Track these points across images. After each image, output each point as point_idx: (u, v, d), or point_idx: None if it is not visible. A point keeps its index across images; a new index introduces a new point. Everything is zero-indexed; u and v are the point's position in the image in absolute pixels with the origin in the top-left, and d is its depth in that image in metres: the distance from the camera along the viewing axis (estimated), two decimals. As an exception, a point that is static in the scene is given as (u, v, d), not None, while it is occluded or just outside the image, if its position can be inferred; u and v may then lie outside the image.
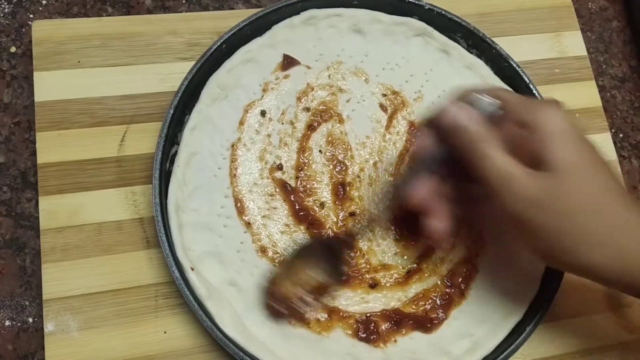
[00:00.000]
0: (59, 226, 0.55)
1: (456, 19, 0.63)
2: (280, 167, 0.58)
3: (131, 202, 0.57)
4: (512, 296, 0.57)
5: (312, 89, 0.61)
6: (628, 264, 0.44)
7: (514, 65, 0.63)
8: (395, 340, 0.54)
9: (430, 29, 0.64)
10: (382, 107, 0.62)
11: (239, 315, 0.53)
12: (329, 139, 0.60)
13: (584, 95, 0.67)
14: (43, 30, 0.60)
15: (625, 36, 0.75)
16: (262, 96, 0.60)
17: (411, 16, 0.64)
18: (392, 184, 0.58)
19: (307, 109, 0.60)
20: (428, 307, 0.56)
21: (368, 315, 0.55)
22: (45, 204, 0.55)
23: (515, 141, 0.46)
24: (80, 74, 0.59)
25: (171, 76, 0.60)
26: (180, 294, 0.52)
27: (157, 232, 0.53)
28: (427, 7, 0.63)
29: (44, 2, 0.63)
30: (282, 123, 0.60)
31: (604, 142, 0.67)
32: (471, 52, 0.64)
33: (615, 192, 0.45)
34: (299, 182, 0.58)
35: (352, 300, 0.55)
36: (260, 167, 0.58)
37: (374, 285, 0.56)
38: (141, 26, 0.62)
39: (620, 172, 0.66)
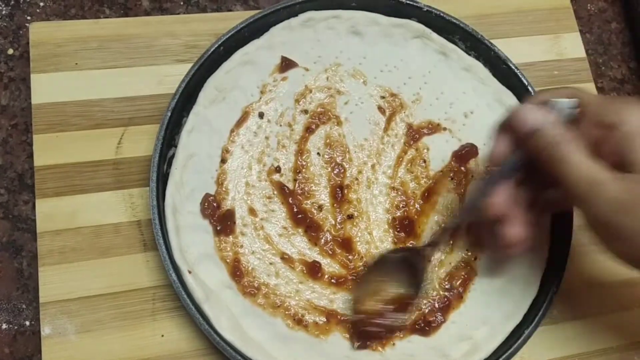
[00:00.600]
0: (56, 229, 0.55)
1: (454, 20, 0.63)
2: (278, 170, 0.58)
3: (128, 204, 0.57)
4: (510, 299, 0.57)
5: (310, 91, 0.61)
6: None
7: (513, 67, 0.63)
8: (393, 344, 0.54)
9: (428, 30, 0.64)
10: (380, 109, 0.62)
11: (236, 318, 0.52)
12: (327, 141, 0.60)
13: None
14: (40, 32, 0.59)
15: (624, 37, 0.74)
16: (260, 98, 0.60)
17: (409, 18, 0.64)
18: (470, 193, 0.57)
19: (305, 111, 0.60)
20: (426, 310, 0.56)
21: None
22: (42, 207, 0.55)
23: (595, 142, 0.44)
24: (78, 76, 0.59)
25: (169, 78, 0.60)
26: (178, 297, 0.52)
27: (154, 234, 0.53)
28: (425, 9, 0.63)
29: (41, 4, 0.63)
30: (280, 125, 0.59)
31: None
32: (470, 54, 0.64)
33: None
34: (297, 184, 0.58)
35: (350, 304, 0.55)
36: (258, 170, 0.58)
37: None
38: (139, 28, 0.62)
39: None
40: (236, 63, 0.60)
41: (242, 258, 0.55)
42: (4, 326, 0.54)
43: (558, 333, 0.59)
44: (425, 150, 0.61)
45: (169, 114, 0.56)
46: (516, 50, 0.66)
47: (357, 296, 0.55)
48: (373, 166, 0.60)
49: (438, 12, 0.63)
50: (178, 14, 0.65)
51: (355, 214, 0.58)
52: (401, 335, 0.55)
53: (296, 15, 0.62)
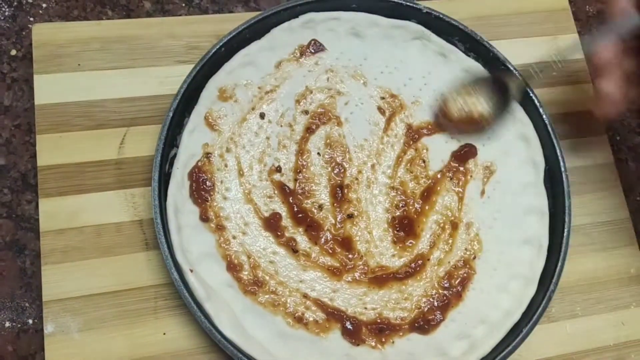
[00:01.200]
0: (59, 228, 0.56)
1: (453, 22, 0.64)
2: (279, 169, 0.58)
3: (130, 204, 0.57)
4: (509, 298, 0.57)
5: (311, 92, 0.62)
6: None
7: (512, 68, 0.63)
8: (392, 342, 0.55)
9: (428, 32, 0.64)
10: (380, 110, 0.62)
11: (237, 316, 0.53)
12: (327, 141, 0.60)
13: (581, 98, 0.68)
14: (43, 33, 0.60)
15: None
16: (261, 99, 0.60)
17: (409, 20, 0.64)
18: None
19: (306, 112, 0.61)
20: (426, 308, 0.56)
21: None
22: (45, 206, 0.56)
23: None
24: (80, 76, 0.60)
25: (170, 79, 0.61)
26: (179, 295, 0.53)
27: (156, 234, 0.53)
28: (424, 11, 0.64)
29: (44, 5, 0.63)
30: (281, 126, 0.60)
31: (601, 145, 0.67)
32: (469, 55, 0.65)
33: None
34: (297, 184, 0.58)
35: (349, 302, 0.56)
36: (259, 169, 0.58)
37: (371, 287, 0.56)
38: (141, 29, 0.62)
39: (617, 174, 0.66)
40: (237, 64, 0.60)
41: (242, 256, 0.55)
42: (7, 324, 0.55)
43: (555, 331, 0.60)
44: (425, 151, 0.61)
45: (171, 114, 0.57)
46: (515, 52, 0.66)
47: (445, 97, 0.60)
48: (373, 166, 0.60)
49: (437, 14, 0.64)
50: (179, 15, 0.65)
51: (355, 213, 0.58)
52: (400, 334, 0.55)
53: (297, 17, 0.62)
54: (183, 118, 0.58)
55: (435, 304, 0.56)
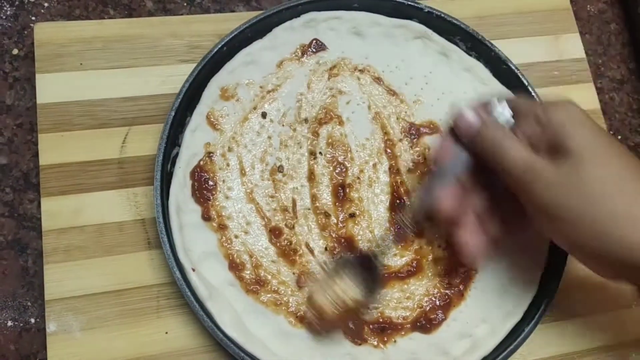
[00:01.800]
0: (61, 227, 0.56)
1: (455, 21, 0.64)
2: (280, 169, 0.59)
3: (133, 203, 0.57)
4: (511, 297, 0.57)
5: (313, 91, 0.62)
6: None
7: (513, 67, 0.63)
8: (394, 341, 0.55)
9: (429, 31, 0.64)
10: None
11: (239, 315, 0.53)
12: (329, 140, 0.60)
13: (582, 97, 0.67)
14: (45, 32, 0.60)
15: (623, 38, 0.75)
16: (263, 98, 0.60)
17: (410, 19, 0.64)
18: (417, 194, 0.57)
19: (308, 111, 0.61)
20: (427, 308, 0.56)
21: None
22: (47, 205, 0.56)
23: (532, 141, 0.47)
24: (82, 76, 0.60)
25: (172, 78, 0.61)
26: (182, 294, 0.53)
27: (158, 233, 0.53)
28: (426, 10, 0.64)
29: (45, 4, 0.63)
30: (283, 125, 0.60)
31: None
32: (470, 55, 0.65)
33: (635, 169, 0.45)
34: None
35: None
36: (261, 169, 0.58)
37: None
38: (143, 29, 0.62)
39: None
40: (239, 63, 0.60)
41: (244, 255, 0.55)
42: (10, 323, 0.55)
43: (557, 331, 0.60)
44: (426, 150, 0.61)
45: (173, 113, 0.57)
46: (516, 51, 0.66)
47: (313, 290, 0.54)
48: (375, 165, 0.60)
49: (439, 13, 0.64)
50: (181, 14, 0.66)
51: (357, 212, 0.58)
52: (402, 333, 0.55)
53: (298, 16, 0.62)
54: (185, 117, 0.58)
55: (437, 303, 0.57)
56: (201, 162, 0.57)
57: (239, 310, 0.53)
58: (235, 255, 0.55)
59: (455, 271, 0.58)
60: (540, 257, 0.59)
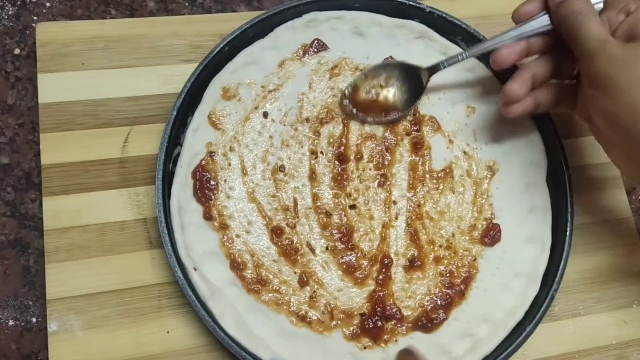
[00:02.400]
0: (62, 226, 0.56)
1: (456, 21, 0.64)
2: (282, 169, 0.59)
3: (134, 202, 0.57)
4: (512, 296, 0.58)
5: (314, 91, 0.62)
6: None
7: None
8: (396, 340, 0.55)
9: (430, 31, 0.64)
10: (383, 109, 0.62)
11: (241, 314, 0.53)
12: (330, 140, 0.60)
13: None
14: (47, 32, 0.60)
15: None
16: (265, 98, 0.60)
17: (412, 19, 0.64)
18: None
19: (309, 111, 0.61)
20: (429, 307, 0.56)
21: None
22: (49, 205, 0.56)
23: (612, 27, 0.51)
24: (84, 75, 0.60)
25: (174, 78, 0.61)
26: (183, 294, 0.53)
27: (160, 232, 0.54)
28: (427, 10, 0.64)
29: (47, 4, 0.64)
30: (284, 124, 0.60)
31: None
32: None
33: None
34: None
35: (354, 301, 0.56)
36: (263, 168, 0.58)
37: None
38: (144, 28, 0.62)
39: (620, 173, 0.66)
40: (241, 63, 0.60)
41: (246, 255, 0.55)
42: (11, 323, 0.55)
43: (558, 330, 0.60)
44: (427, 150, 0.61)
45: (175, 113, 0.57)
46: (517, 51, 0.66)
47: (356, 85, 0.61)
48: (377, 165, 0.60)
49: (440, 13, 0.64)
50: (183, 14, 0.66)
51: (357, 204, 0.58)
52: (404, 332, 0.55)
53: (300, 16, 0.62)
54: (187, 117, 0.58)
55: (439, 302, 0.57)
56: (203, 162, 0.57)
57: (241, 309, 0.54)
58: (236, 255, 0.55)
59: (457, 270, 0.58)
60: (541, 257, 0.59)
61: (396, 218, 0.59)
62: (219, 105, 0.59)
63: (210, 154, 0.57)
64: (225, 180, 0.57)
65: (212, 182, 0.57)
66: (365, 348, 0.54)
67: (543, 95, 0.56)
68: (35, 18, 0.63)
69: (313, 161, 0.59)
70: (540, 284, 0.58)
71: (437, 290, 0.57)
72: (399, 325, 0.55)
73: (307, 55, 0.62)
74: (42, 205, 0.56)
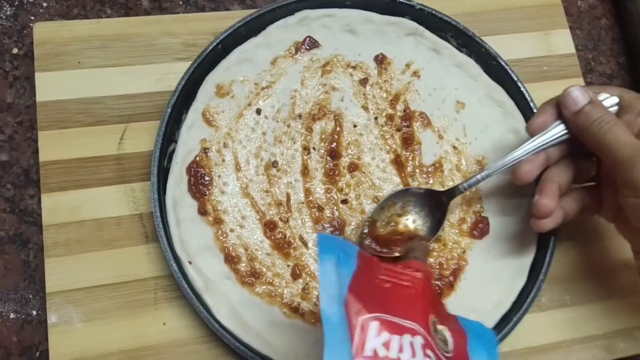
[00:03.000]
0: (60, 222, 0.57)
1: (446, 18, 0.65)
2: (275, 164, 0.60)
3: (130, 198, 0.59)
4: (500, 287, 0.59)
5: (306, 88, 0.63)
6: None
7: (503, 63, 0.64)
8: (386, 331, 0.56)
9: (421, 28, 0.65)
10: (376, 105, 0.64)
11: (235, 307, 0.55)
12: (322, 136, 0.62)
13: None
14: (44, 31, 0.61)
15: (613, 34, 0.76)
16: (258, 95, 0.62)
17: (403, 16, 0.65)
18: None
19: (301, 108, 0.62)
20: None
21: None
22: (47, 201, 0.57)
23: (633, 129, 0.51)
24: (81, 74, 0.61)
25: (169, 76, 0.62)
26: (179, 287, 0.54)
27: (155, 227, 0.55)
28: (418, 7, 0.65)
29: (44, 4, 0.65)
30: (277, 121, 0.61)
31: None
32: (461, 51, 0.66)
33: None
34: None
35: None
36: (256, 164, 0.60)
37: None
38: (139, 27, 0.63)
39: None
40: (234, 61, 0.62)
41: (240, 248, 0.57)
42: (12, 315, 0.56)
43: (545, 320, 0.61)
44: (417, 145, 0.63)
45: (169, 110, 0.58)
46: (507, 47, 0.67)
47: (373, 219, 0.58)
48: (373, 158, 0.62)
49: (430, 10, 0.65)
50: (177, 13, 0.67)
51: (348, 199, 0.60)
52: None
53: (292, 14, 0.64)
54: (181, 114, 0.60)
55: (428, 294, 0.58)
56: (197, 158, 0.58)
57: (235, 302, 0.55)
58: (230, 249, 0.57)
59: (447, 262, 0.59)
60: (529, 249, 0.60)
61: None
62: (213, 103, 0.60)
63: (205, 150, 0.59)
64: (219, 176, 0.59)
65: (207, 178, 0.58)
66: None
67: (569, 204, 0.55)
68: (32, 18, 0.64)
69: (305, 157, 0.61)
70: (528, 276, 0.59)
71: (427, 282, 0.59)
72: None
73: (299, 52, 0.64)
74: (40, 202, 0.57)
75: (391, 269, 0.44)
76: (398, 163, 0.62)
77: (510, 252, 0.60)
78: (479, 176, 0.57)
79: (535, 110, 0.63)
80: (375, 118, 0.63)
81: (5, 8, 0.64)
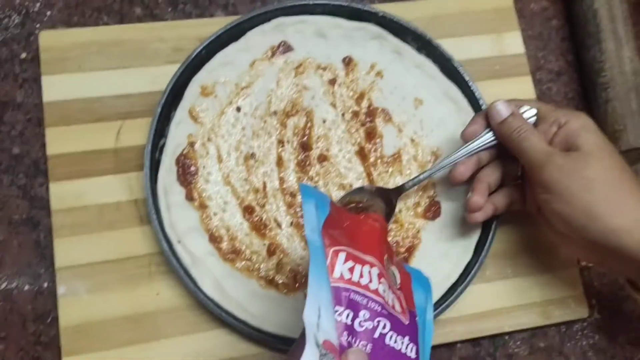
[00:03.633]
0: (67, 207, 0.64)
1: (405, 24, 0.72)
2: (253, 156, 0.68)
3: (127, 186, 0.65)
4: (449, 262, 0.67)
5: (281, 88, 0.71)
6: None
7: (455, 64, 0.72)
8: (349, 300, 0.65)
9: (385, 32, 0.72)
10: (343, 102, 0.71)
11: (218, 279, 0.63)
12: (295, 131, 0.70)
13: (520, 89, 0.76)
14: (48, 39, 0.68)
15: (563, 33, 0.83)
16: (238, 94, 0.69)
17: (368, 22, 0.72)
18: (443, 158, 0.66)
19: (277, 105, 0.70)
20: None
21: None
22: (55, 189, 0.64)
23: (547, 138, 0.59)
24: (81, 77, 0.67)
25: (159, 78, 0.68)
26: (169, 262, 0.62)
27: (148, 211, 0.63)
28: (381, 15, 0.72)
29: (48, 13, 0.72)
30: (255, 118, 0.69)
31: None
32: (420, 53, 0.73)
33: (629, 173, 0.57)
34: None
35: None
36: (236, 156, 0.68)
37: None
38: (133, 34, 0.70)
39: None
40: (217, 64, 0.68)
41: (222, 229, 0.65)
42: (26, 287, 0.63)
43: (490, 290, 0.69)
44: (379, 139, 0.71)
45: (160, 109, 0.65)
46: (463, 48, 0.74)
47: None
48: (340, 151, 0.70)
49: (392, 17, 0.72)
50: (166, 19, 0.73)
51: (319, 186, 0.68)
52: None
53: (269, 21, 0.70)
54: (170, 112, 0.66)
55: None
56: (184, 151, 0.66)
57: (218, 275, 0.63)
58: (214, 230, 0.65)
59: (402, 241, 0.68)
60: (475, 230, 0.69)
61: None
62: (198, 102, 0.68)
63: (191, 144, 0.67)
64: (204, 167, 0.67)
65: (193, 168, 0.66)
66: None
67: (498, 199, 0.64)
68: (37, 25, 0.71)
69: (280, 149, 0.69)
70: (473, 253, 0.68)
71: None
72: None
73: (275, 56, 0.71)
74: (49, 189, 0.64)
75: (355, 217, 0.52)
76: (362, 154, 0.70)
77: (459, 233, 0.68)
78: (421, 176, 0.66)
79: (483, 107, 0.71)
80: (342, 114, 0.71)
81: (13, 17, 0.71)
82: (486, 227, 0.68)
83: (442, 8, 0.78)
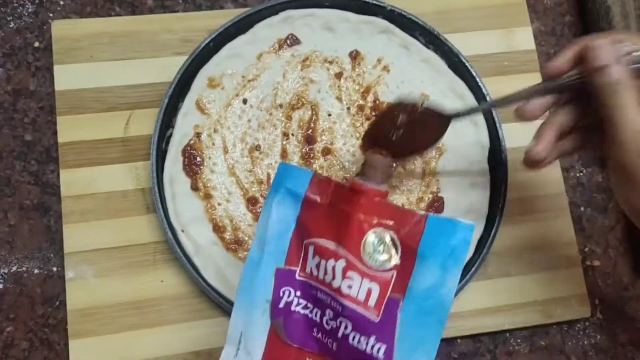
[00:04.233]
0: (76, 194, 0.66)
1: (414, 18, 0.72)
2: (258, 148, 0.69)
3: (134, 175, 0.67)
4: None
5: (287, 80, 0.71)
6: None
7: (463, 60, 0.72)
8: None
9: (392, 26, 0.73)
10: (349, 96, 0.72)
11: (221, 268, 0.64)
12: (300, 124, 0.70)
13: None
14: (61, 29, 0.70)
15: (576, 29, 0.81)
16: (244, 86, 0.70)
17: (376, 15, 0.72)
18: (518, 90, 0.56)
19: (283, 98, 0.71)
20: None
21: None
22: (65, 176, 0.66)
23: None
24: (93, 66, 0.69)
25: (168, 69, 0.69)
26: (173, 250, 0.64)
27: (154, 200, 0.65)
28: (389, 9, 0.72)
29: (61, 2, 0.73)
30: (261, 110, 0.70)
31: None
32: (428, 48, 0.73)
33: None
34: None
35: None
36: (241, 147, 0.69)
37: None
38: (143, 25, 0.71)
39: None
40: (224, 56, 0.70)
41: (225, 220, 0.66)
42: (36, 271, 0.66)
43: (491, 287, 0.69)
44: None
45: (167, 100, 0.67)
46: (471, 43, 0.74)
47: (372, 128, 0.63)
48: (344, 144, 0.70)
49: (400, 11, 0.72)
50: (177, 11, 0.75)
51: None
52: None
53: (277, 14, 0.71)
54: (178, 103, 0.68)
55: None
56: (191, 142, 0.67)
57: (220, 264, 0.65)
58: (218, 220, 0.66)
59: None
60: (477, 226, 0.69)
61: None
62: (205, 93, 0.69)
63: (197, 134, 0.68)
64: (209, 157, 0.68)
65: (199, 159, 0.67)
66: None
67: (567, 144, 0.54)
68: (50, 15, 0.73)
69: (285, 142, 0.70)
70: (475, 249, 0.68)
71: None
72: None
73: (282, 48, 0.72)
74: (59, 176, 0.66)
75: (339, 190, 0.49)
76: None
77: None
78: (483, 106, 0.61)
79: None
80: (348, 108, 0.71)
81: (27, 6, 0.73)
82: (489, 223, 0.68)
83: (451, 2, 0.77)
